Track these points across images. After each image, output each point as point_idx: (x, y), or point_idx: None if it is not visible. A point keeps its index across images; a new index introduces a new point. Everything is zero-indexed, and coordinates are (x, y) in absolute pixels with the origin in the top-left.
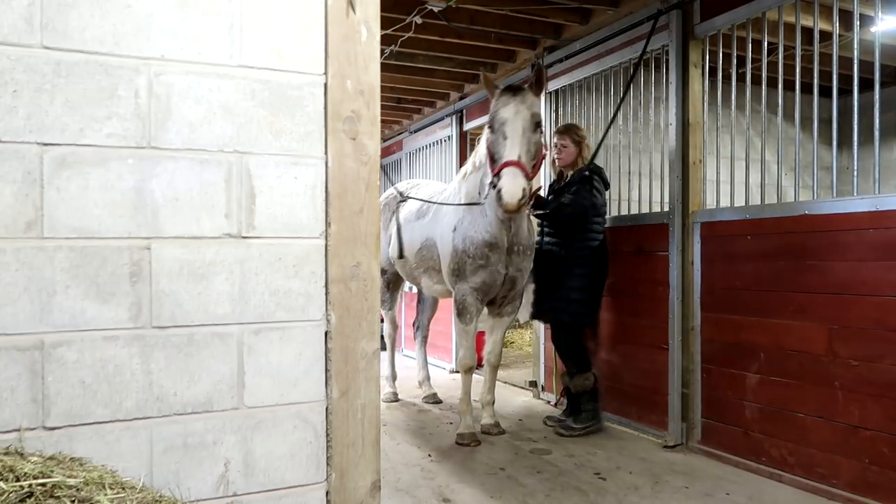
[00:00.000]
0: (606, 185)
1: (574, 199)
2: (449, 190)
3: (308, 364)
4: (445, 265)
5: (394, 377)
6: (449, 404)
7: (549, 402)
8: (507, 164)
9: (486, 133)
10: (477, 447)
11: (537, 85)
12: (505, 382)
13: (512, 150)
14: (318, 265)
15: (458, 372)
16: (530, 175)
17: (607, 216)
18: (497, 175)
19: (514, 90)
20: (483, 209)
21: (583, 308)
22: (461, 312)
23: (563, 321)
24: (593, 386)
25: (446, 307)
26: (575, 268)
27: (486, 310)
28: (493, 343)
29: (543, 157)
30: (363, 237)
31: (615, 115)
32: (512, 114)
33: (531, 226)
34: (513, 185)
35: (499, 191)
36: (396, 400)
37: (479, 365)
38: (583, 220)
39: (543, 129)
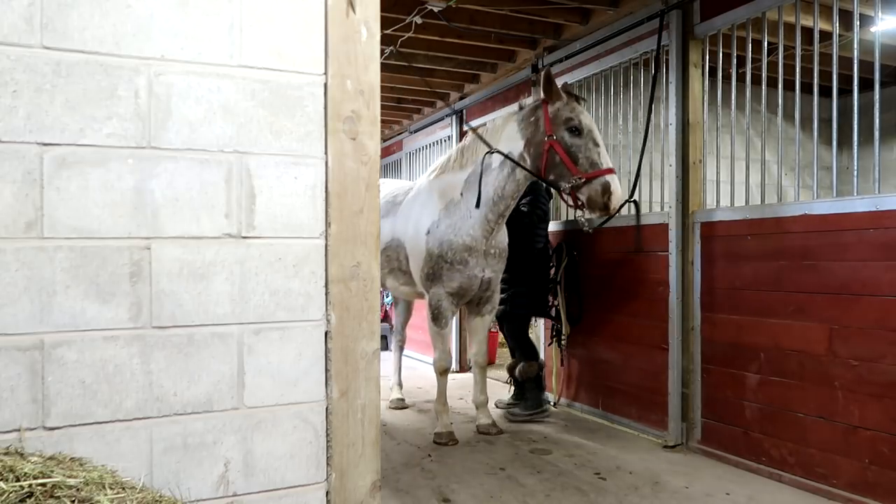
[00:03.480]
0: (549, 194)
1: (530, 209)
2: (416, 189)
3: (308, 364)
4: (417, 268)
5: (399, 384)
6: (449, 405)
7: (548, 401)
8: (610, 171)
9: (553, 133)
10: (477, 446)
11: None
12: (505, 382)
13: (606, 157)
14: (318, 265)
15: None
16: None
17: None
18: (589, 179)
19: (576, 97)
20: (468, 211)
21: (526, 301)
22: (436, 317)
23: (506, 312)
24: (537, 374)
25: None
26: (521, 266)
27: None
28: (478, 343)
29: None
30: (363, 237)
31: (649, 113)
32: (591, 122)
33: (504, 229)
34: (620, 189)
35: (609, 193)
36: (405, 407)
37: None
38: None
39: None
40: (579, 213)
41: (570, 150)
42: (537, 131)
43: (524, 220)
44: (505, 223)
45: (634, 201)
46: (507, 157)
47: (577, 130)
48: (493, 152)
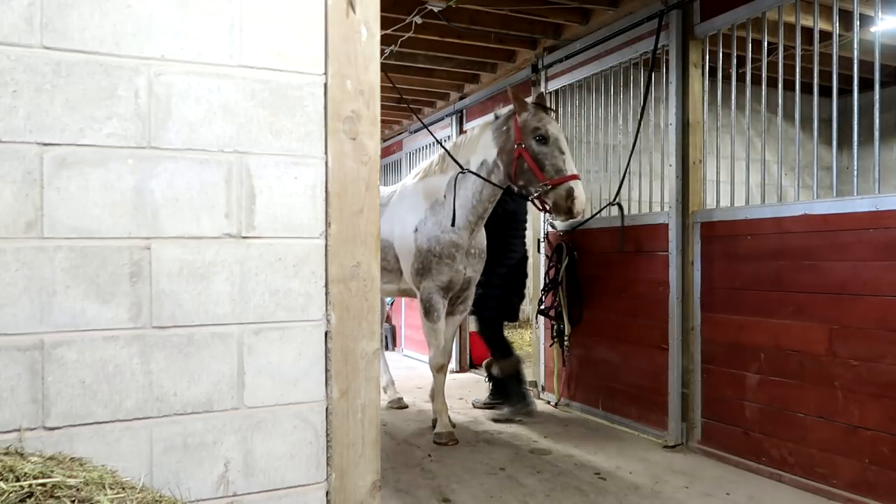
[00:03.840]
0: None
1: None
2: (400, 191)
3: (308, 364)
4: (407, 265)
5: (392, 382)
6: (448, 405)
7: (548, 402)
8: (575, 177)
9: (522, 141)
10: (477, 446)
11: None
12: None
13: (571, 164)
14: (318, 265)
15: (462, 371)
16: None
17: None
18: (554, 185)
19: (545, 108)
20: (451, 211)
21: (495, 304)
22: (428, 311)
23: (481, 315)
24: (517, 369)
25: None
26: (492, 269)
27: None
28: (445, 340)
29: None
30: (363, 237)
31: (643, 111)
32: (558, 130)
33: (483, 232)
34: (583, 194)
35: (572, 198)
36: (405, 406)
37: (476, 364)
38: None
39: None
40: (548, 216)
41: (536, 157)
42: (508, 140)
43: (494, 221)
44: (483, 226)
45: (618, 203)
46: (475, 174)
47: (543, 139)
48: (464, 172)
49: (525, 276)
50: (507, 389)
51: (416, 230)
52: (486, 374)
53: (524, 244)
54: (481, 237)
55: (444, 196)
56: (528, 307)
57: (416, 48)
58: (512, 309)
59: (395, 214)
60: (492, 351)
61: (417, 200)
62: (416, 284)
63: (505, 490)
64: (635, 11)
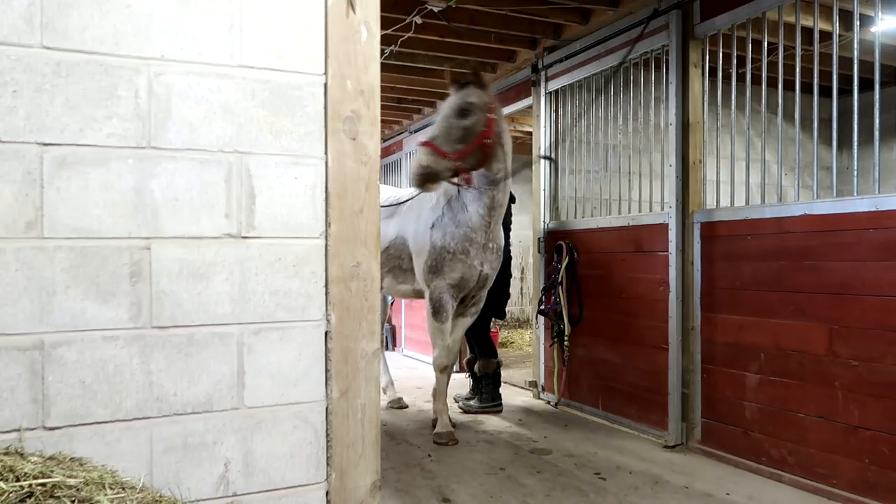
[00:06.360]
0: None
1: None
2: (410, 191)
3: (308, 364)
4: (420, 262)
5: (391, 382)
6: (448, 405)
7: (548, 402)
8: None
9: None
10: (477, 446)
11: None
12: (505, 382)
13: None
14: (318, 265)
15: (462, 371)
16: (446, 155)
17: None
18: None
19: (460, 84)
20: (463, 205)
21: (486, 303)
22: (437, 311)
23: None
24: (495, 371)
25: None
26: None
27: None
28: (453, 341)
29: (479, 142)
30: (363, 237)
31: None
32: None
33: (501, 228)
34: (414, 161)
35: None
36: (405, 406)
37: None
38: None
39: (486, 113)
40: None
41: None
42: None
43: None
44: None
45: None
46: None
47: None
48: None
49: (510, 275)
50: (481, 387)
51: (433, 226)
52: (468, 371)
53: (508, 240)
54: (499, 233)
55: (459, 191)
56: (528, 307)
57: (416, 48)
58: (500, 307)
59: (413, 213)
60: (477, 349)
61: (435, 198)
62: (427, 283)
63: (505, 490)
64: (635, 11)
